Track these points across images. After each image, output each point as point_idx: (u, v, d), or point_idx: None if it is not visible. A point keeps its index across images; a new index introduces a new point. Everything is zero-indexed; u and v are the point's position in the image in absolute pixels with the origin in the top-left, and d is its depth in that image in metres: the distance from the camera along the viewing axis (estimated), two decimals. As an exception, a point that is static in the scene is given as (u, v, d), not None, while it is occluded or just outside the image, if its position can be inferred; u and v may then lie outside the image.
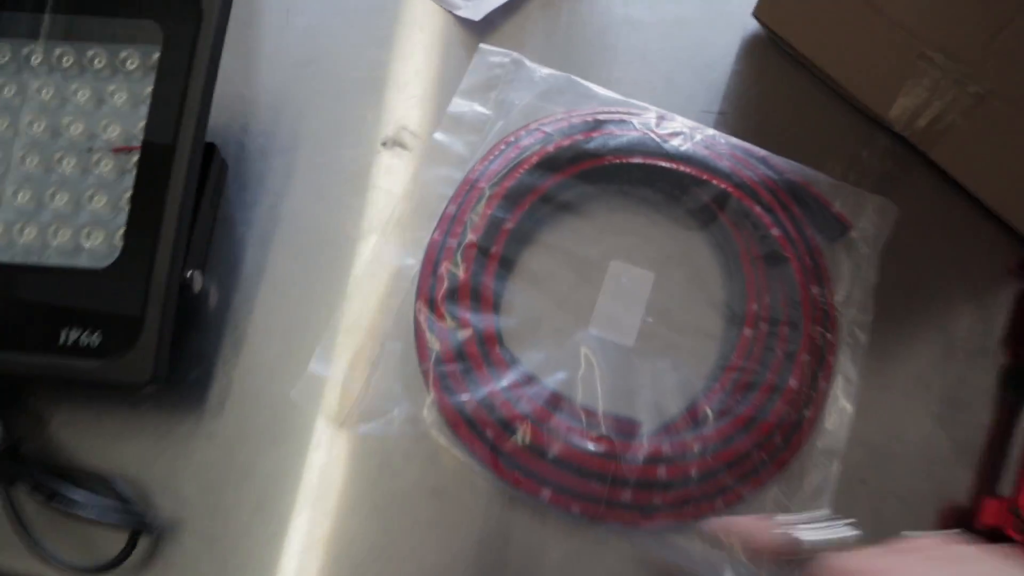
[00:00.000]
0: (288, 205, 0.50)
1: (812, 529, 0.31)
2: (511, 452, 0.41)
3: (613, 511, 0.41)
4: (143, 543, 0.42)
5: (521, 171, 0.46)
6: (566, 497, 0.41)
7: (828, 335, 0.45)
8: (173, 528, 0.43)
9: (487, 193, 0.46)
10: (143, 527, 0.41)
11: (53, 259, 0.43)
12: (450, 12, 0.55)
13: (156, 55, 0.45)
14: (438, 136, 0.50)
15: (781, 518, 0.33)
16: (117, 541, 0.41)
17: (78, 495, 0.40)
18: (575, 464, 0.41)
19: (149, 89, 0.45)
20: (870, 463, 0.45)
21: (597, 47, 0.55)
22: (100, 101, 0.46)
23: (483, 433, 0.42)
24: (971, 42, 0.43)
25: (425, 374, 0.43)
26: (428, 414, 0.43)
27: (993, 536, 0.42)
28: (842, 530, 0.31)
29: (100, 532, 0.42)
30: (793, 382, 0.43)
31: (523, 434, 0.41)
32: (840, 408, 0.45)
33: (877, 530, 0.43)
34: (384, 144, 0.51)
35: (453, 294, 0.44)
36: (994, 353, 0.48)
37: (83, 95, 0.46)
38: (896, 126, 0.51)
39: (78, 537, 0.42)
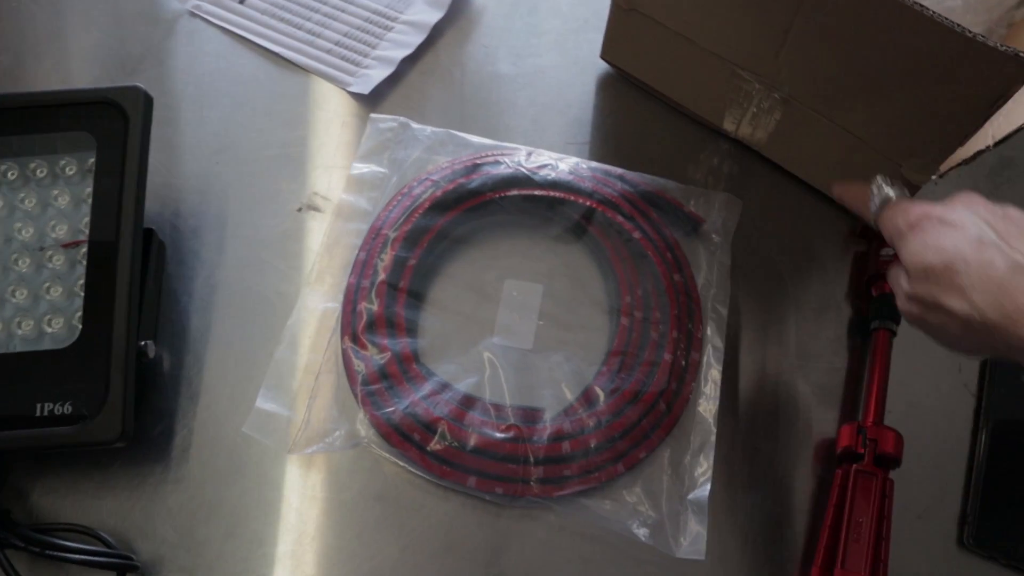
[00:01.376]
0: (222, 273, 0.57)
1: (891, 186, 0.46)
2: (436, 450, 0.48)
3: (530, 487, 0.48)
4: (130, 582, 0.48)
5: (416, 215, 0.55)
6: (489, 481, 0.48)
7: (693, 313, 0.54)
8: (155, 565, 0.49)
9: (390, 237, 0.54)
10: (128, 565, 0.47)
11: (19, 346, 0.50)
12: (343, 89, 0.64)
13: (91, 159, 0.52)
14: (344, 196, 0.58)
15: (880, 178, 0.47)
16: (106, 585, 0.47)
17: (67, 545, 0.46)
18: (491, 451, 0.48)
19: (88, 190, 0.52)
20: (746, 416, 0.53)
21: (473, 102, 0.63)
22: (46, 205, 0.53)
23: (411, 437, 0.49)
24: (765, 58, 0.53)
25: (356, 396, 0.50)
26: (363, 429, 0.50)
27: (849, 457, 0.50)
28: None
29: (90, 579, 0.48)
30: (667, 356, 0.51)
31: (443, 433, 0.48)
32: (712, 373, 0.53)
33: (756, 470, 0.52)
34: (299, 209, 0.59)
35: (371, 326, 0.52)
36: (839, 308, 0.57)
37: (30, 202, 0.53)
38: (731, 133, 0.61)
39: (70, 588, 0.48)
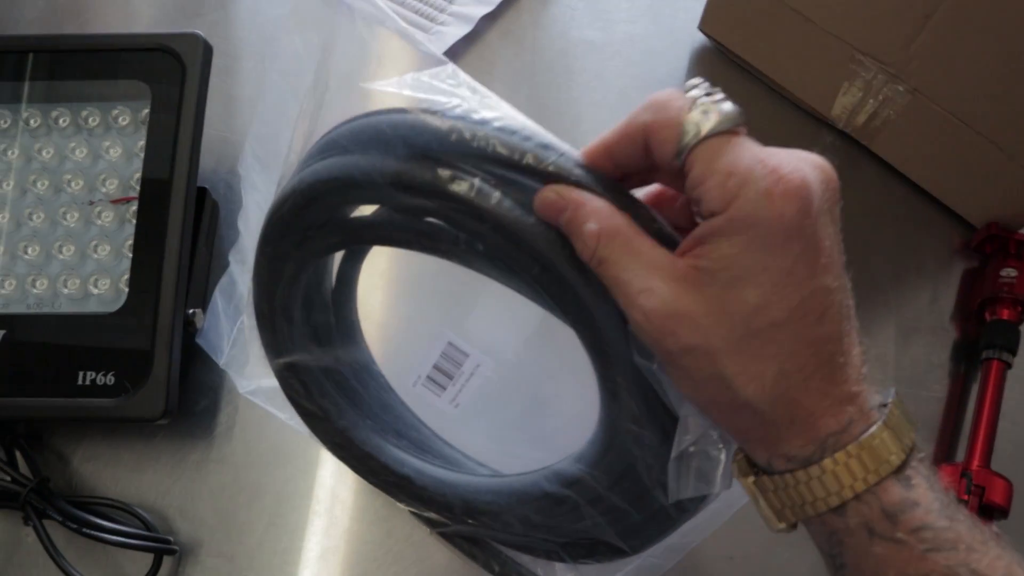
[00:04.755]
0: (278, 240, 0.53)
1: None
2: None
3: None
4: (167, 564, 0.45)
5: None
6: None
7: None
8: (193, 548, 0.46)
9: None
10: (166, 549, 0.44)
11: (65, 307, 0.47)
12: (415, 48, 0.59)
13: (146, 111, 0.49)
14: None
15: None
16: (142, 564, 0.45)
17: (105, 523, 0.43)
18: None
19: (141, 143, 0.48)
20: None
21: (556, 70, 0.58)
22: (97, 157, 0.49)
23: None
24: (895, 45, 0.47)
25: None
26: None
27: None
28: None
29: (126, 557, 0.45)
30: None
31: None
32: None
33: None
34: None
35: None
36: (944, 329, 0.52)
37: (80, 152, 0.49)
38: (838, 123, 0.55)
39: (107, 564, 0.46)
